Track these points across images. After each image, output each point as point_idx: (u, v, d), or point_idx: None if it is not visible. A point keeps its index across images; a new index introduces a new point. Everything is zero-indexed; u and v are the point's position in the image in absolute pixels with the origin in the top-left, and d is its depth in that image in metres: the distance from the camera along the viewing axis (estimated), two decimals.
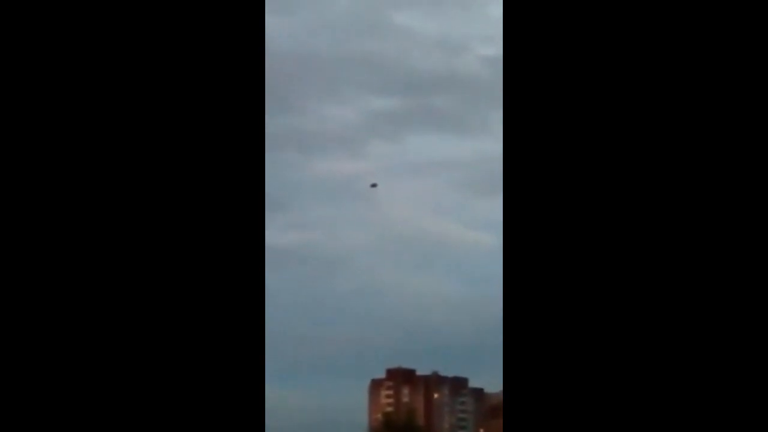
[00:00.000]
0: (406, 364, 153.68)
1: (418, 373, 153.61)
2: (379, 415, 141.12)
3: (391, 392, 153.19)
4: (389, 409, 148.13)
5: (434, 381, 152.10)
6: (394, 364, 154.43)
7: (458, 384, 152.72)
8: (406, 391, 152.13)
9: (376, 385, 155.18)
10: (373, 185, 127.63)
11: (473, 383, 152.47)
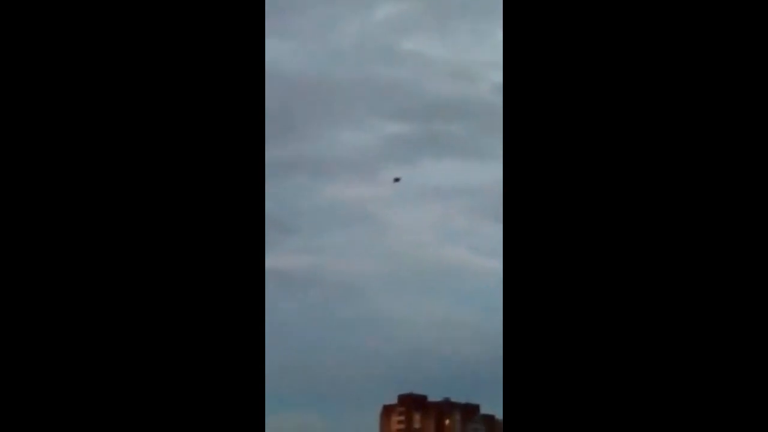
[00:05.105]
0: (418, 391, 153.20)
1: (430, 399, 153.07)
2: None
3: (402, 418, 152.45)
4: None
5: (446, 407, 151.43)
6: (405, 391, 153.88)
7: (470, 410, 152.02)
8: (417, 417, 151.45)
9: (387, 411, 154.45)
10: (397, 179, 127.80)
11: (484, 410, 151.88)
